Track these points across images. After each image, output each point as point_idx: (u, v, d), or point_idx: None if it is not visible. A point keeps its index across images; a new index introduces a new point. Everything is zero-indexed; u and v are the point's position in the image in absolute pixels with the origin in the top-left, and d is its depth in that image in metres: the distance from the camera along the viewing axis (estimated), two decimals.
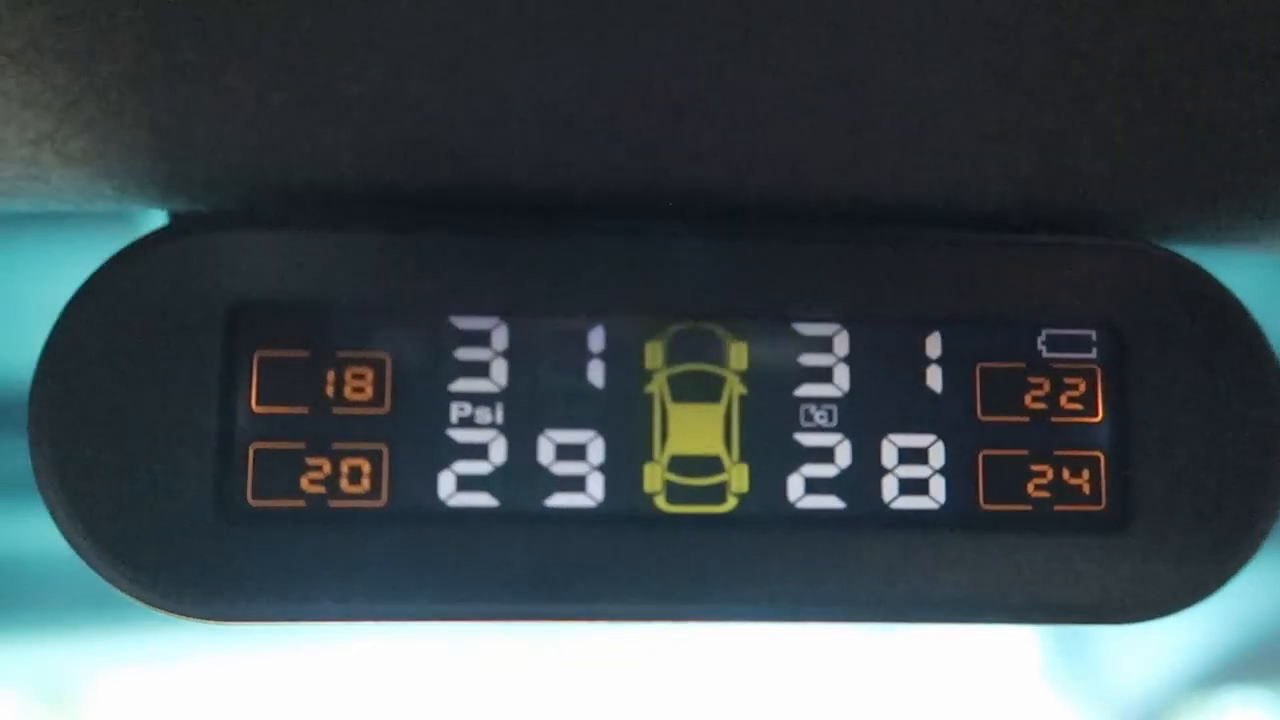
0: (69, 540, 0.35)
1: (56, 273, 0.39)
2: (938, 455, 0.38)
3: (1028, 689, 1.35)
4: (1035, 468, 0.38)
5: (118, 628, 1.10)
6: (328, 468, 0.36)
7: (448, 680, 1.23)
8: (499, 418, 0.37)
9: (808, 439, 0.37)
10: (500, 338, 0.37)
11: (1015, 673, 1.35)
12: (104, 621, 1.10)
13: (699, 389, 0.38)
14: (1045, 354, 0.38)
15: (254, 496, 0.36)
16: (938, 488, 0.38)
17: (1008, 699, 1.35)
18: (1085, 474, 0.38)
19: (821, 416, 0.38)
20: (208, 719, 1.21)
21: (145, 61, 0.31)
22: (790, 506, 0.37)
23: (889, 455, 0.38)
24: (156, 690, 1.21)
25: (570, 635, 1.23)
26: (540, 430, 0.37)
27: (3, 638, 1.11)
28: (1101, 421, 0.38)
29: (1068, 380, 0.38)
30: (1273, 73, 0.32)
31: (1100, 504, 0.38)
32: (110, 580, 0.35)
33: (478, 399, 0.37)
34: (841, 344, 0.38)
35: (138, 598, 0.35)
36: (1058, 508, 0.38)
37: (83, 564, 0.35)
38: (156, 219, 0.38)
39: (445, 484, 0.37)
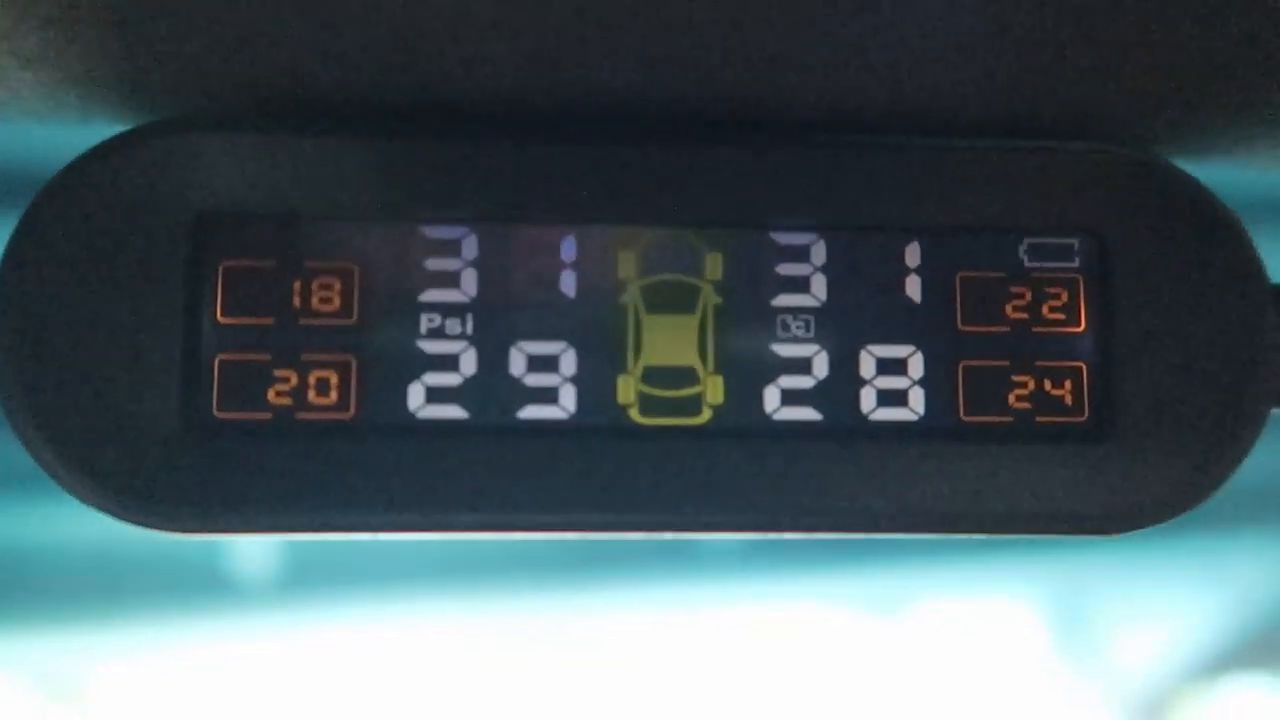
0: (32, 453, 0.34)
1: None
2: (917, 366, 0.37)
3: (1034, 675, 1.35)
4: (1016, 378, 0.37)
5: (119, 619, 1.10)
6: (295, 379, 0.36)
7: (440, 679, 1.23)
8: (469, 329, 0.36)
9: (784, 350, 0.37)
10: (470, 247, 0.36)
11: (1022, 659, 1.35)
12: (105, 613, 1.10)
13: (673, 299, 0.37)
14: (1027, 263, 0.37)
15: (219, 409, 0.35)
16: (917, 399, 0.37)
17: (1014, 684, 1.34)
18: (1067, 384, 0.37)
19: (798, 327, 0.37)
20: (207, 709, 1.21)
21: None
22: (766, 418, 0.36)
23: (867, 366, 0.37)
24: (156, 681, 1.21)
25: (568, 636, 1.23)
26: (511, 341, 0.36)
27: (6, 628, 1.11)
28: (1084, 331, 0.37)
29: (1050, 290, 0.37)
30: None
31: (1082, 415, 0.37)
32: (74, 493, 0.34)
33: (447, 309, 0.36)
34: (819, 253, 0.37)
35: (102, 509, 0.35)
36: (1039, 419, 0.37)
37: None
38: None
39: (415, 396, 0.36)
